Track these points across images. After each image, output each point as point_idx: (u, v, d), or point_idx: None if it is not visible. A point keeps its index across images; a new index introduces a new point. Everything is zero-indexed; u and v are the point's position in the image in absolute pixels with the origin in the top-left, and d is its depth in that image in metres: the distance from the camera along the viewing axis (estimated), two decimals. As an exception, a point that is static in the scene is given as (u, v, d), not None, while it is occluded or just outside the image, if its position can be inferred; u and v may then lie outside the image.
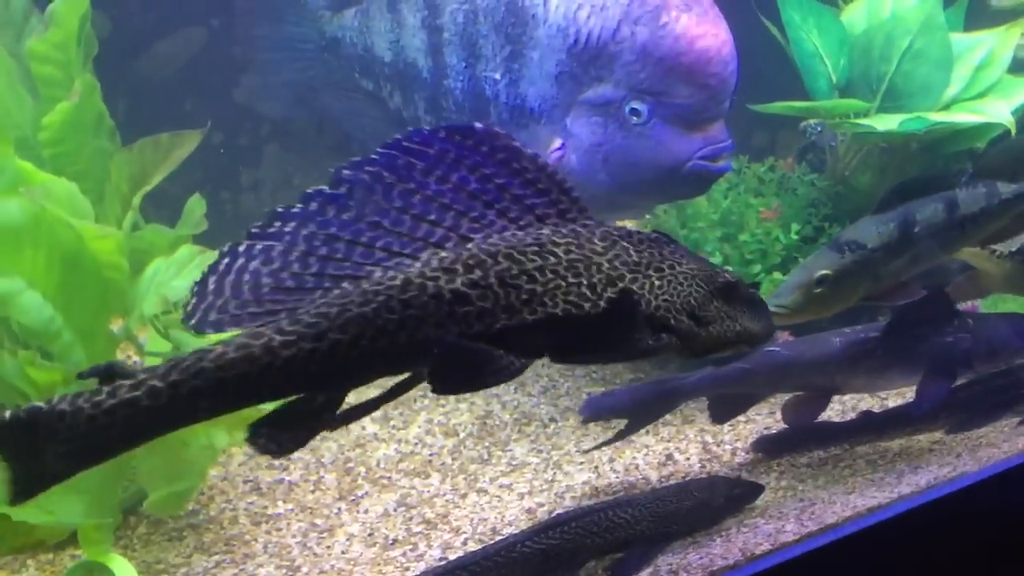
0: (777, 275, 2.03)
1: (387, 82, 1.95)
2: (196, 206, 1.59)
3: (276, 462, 1.86)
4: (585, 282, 1.04)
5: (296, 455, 1.89)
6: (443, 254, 1.02)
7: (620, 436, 1.79)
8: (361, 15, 1.94)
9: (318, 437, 1.93)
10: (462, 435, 1.99)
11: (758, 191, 2.14)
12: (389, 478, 1.86)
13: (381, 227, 1.05)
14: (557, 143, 1.81)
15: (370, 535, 1.72)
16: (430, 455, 1.93)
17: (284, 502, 1.78)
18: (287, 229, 1.05)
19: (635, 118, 1.74)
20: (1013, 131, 1.87)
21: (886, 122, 1.89)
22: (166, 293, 1.34)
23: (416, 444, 1.95)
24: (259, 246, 1.05)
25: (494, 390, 2.13)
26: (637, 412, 1.81)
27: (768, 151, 2.60)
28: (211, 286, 1.03)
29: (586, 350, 1.09)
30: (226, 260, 1.04)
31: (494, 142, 1.05)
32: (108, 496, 1.46)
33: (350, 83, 1.99)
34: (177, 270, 1.36)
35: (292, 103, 2.08)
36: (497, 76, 1.81)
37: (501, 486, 1.83)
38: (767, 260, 2.04)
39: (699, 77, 1.70)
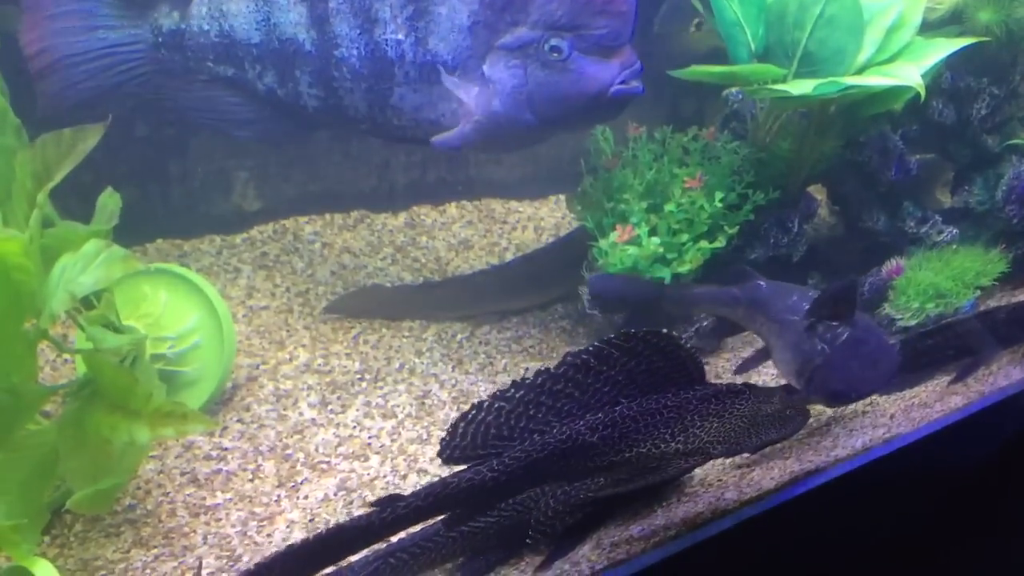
0: (704, 243, 2.01)
1: (255, 64, 1.85)
2: (109, 201, 1.53)
3: (213, 452, 1.81)
4: (667, 433, 1.53)
5: (233, 444, 1.84)
6: (598, 415, 1.51)
7: None
8: (211, 2, 1.83)
9: (255, 425, 1.90)
10: (400, 416, 1.95)
11: (682, 161, 2.11)
12: (328, 463, 1.82)
13: (573, 397, 1.51)
14: (475, 91, 1.81)
15: (311, 521, 1.68)
16: (369, 438, 1.89)
17: (222, 492, 1.73)
18: (517, 395, 1.49)
19: (555, 55, 1.78)
20: (923, 94, 1.86)
21: (801, 87, 1.87)
22: (73, 290, 1.28)
23: (355, 427, 1.91)
24: (496, 404, 1.49)
25: (431, 369, 2.10)
26: (638, 302, 2.01)
27: (695, 120, 2.57)
28: (460, 430, 1.48)
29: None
30: (473, 412, 1.48)
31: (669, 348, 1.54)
32: (32, 497, 1.41)
33: (200, 73, 1.88)
34: (84, 266, 1.30)
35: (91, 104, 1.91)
36: (401, 36, 1.77)
37: (441, 465, 1.80)
38: (693, 229, 2.02)
39: (612, 5, 1.76)
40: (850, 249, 2.36)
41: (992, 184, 2.26)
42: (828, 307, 1.71)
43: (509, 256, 2.46)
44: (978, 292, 2.18)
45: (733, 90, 2.29)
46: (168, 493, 1.71)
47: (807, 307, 1.75)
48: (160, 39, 1.89)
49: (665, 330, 1.56)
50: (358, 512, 1.70)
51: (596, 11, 1.74)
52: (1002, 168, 2.25)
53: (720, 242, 2.01)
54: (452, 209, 2.63)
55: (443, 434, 1.53)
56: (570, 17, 1.74)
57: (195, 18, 1.88)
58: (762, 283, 1.88)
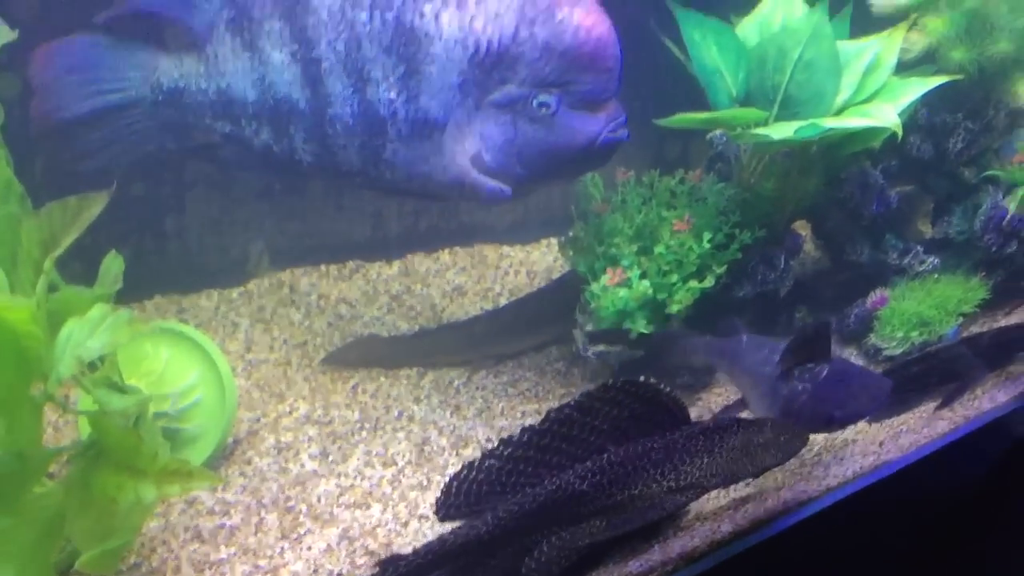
0: (693, 283, 2.04)
1: (252, 120, 1.89)
2: (112, 264, 1.55)
3: (216, 507, 1.82)
4: (658, 473, 1.57)
5: (236, 498, 1.85)
6: (587, 464, 1.55)
7: None
8: (207, 60, 1.87)
9: (257, 479, 1.91)
10: (401, 464, 1.96)
11: (670, 204, 2.15)
12: (331, 513, 1.83)
13: (560, 450, 1.56)
14: (466, 145, 1.85)
15: (314, 572, 1.69)
16: (370, 487, 1.90)
17: (226, 546, 1.74)
18: (506, 452, 1.55)
19: (544, 110, 1.81)
20: (899, 133, 1.90)
21: (782, 130, 1.91)
22: (81, 354, 1.30)
23: (356, 477, 1.92)
24: (487, 463, 1.55)
25: (430, 416, 2.11)
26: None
27: (681, 162, 2.62)
28: (454, 489, 1.54)
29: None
30: (465, 471, 1.55)
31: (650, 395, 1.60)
32: (40, 559, 1.41)
33: (200, 127, 1.92)
34: (91, 330, 1.32)
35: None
36: (393, 95, 1.81)
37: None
38: (683, 269, 2.05)
39: (599, 62, 1.79)
40: (836, 282, 2.40)
41: (970, 214, 2.31)
42: (803, 350, 1.73)
43: (503, 301, 2.49)
44: (961, 319, 2.22)
45: (717, 133, 2.33)
46: (172, 550, 1.72)
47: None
48: (160, 97, 1.92)
49: (643, 378, 1.60)
50: (361, 562, 1.70)
51: (583, 67, 1.77)
52: (979, 199, 2.30)
53: (709, 281, 2.03)
54: (445, 256, 2.66)
55: (444, 480, 1.56)
56: (558, 74, 1.77)
57: (193, 76, 1.92)
58: (743, 337, 1.91)
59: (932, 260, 2.33)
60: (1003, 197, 2.26)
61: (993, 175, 2.28)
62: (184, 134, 1.95)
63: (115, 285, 1.52)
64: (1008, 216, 2.24)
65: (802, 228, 2.38)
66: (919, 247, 2.33)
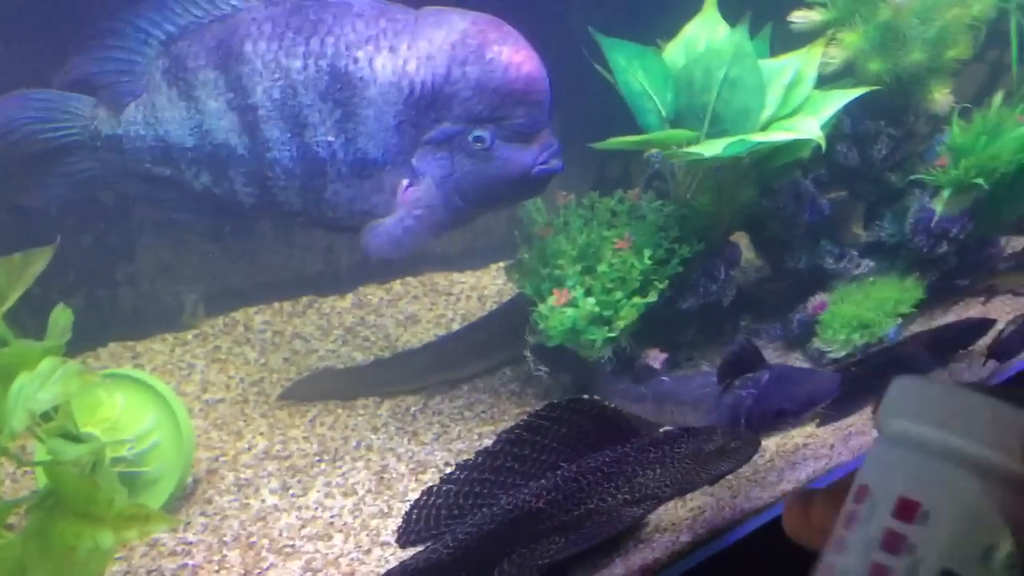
0: (637, 299, 2.09)
1: (191, 165, 1.92)
2: (61, 316, 1.57)
3: (178, 548, 1.83)
4: (612, 486, 1.61)
5: (197, 537, 1.86)
6: (540, 482, 1.60)
7: None
8: (145, 108, 1.91)
9: (218, 517, 1.92)
10: (361, 492, 1.98)
11: (611, 223, 2.20)
12: (293, 546, 1.84)
13: (514, 470, 1.62)
14: (404, 184, 1.90)
15: (279, 606, 1.70)
16: (331, 517, 1.92)
17: (190, 587, 1.75)
18: (462, 475, 1.62)
19: (479, 144, 1.86)
20: (823, 144, 1.98)
21: (712, 147, 1.97)
22: (32, 407, 1.32)
23: (316, 508, 1.94)
24: (444, 487, 1.62)
25: (388, 443, 2.14)
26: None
27: (622, 181, 2.68)
28: (414, 516, 1.63)
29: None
30: (424, 497, 1.62)
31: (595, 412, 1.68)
32: (1, 613, 1.42)
33: (140, 173, 1.96)
34: (41, 383, 1.34)
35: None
36: (331, 138, 1.85)
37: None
38: (627, 286, 2.10)
39: (530, 96, 1.84)
40: (777, 290, 2.46)
41: (900, 217, 2.39)
42: (736, 365, 1.79)
43: (456, 326, 2.52)
44: (900, 320, 2.29)
45: (653, 152, 2.40)
46: (137, 593, 1.72)
47: (714, 379, 1.83)
48: (99, 143, 1.95)
49: (586, 396, 1.65)
50: (326, 593, 1.72)
51: (515, 102, 1.82)
52: (907, 201, 2.38)
53: (652, 296, 2.09)
54: (397, 286, 2.69)
55: (404, 506, 1.58)
56: (491, 110, 1.83)
57: (131, 124, 1.94)
58: (665, 379, 1.98)
59: (867, 263, 2.40)
60: (929, 200, 2.35)
61: (918, 179, 2.36)
62: (125, 179, 1.98)
63: (64, 336, 1.53)
64: (936, 218, 2.33)
65: (741, 239, 2.44)
66: (854, 251, 2.41)
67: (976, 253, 2.44)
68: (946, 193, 2.31)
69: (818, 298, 2.33)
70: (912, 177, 2.37)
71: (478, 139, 1.85)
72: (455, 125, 1.85)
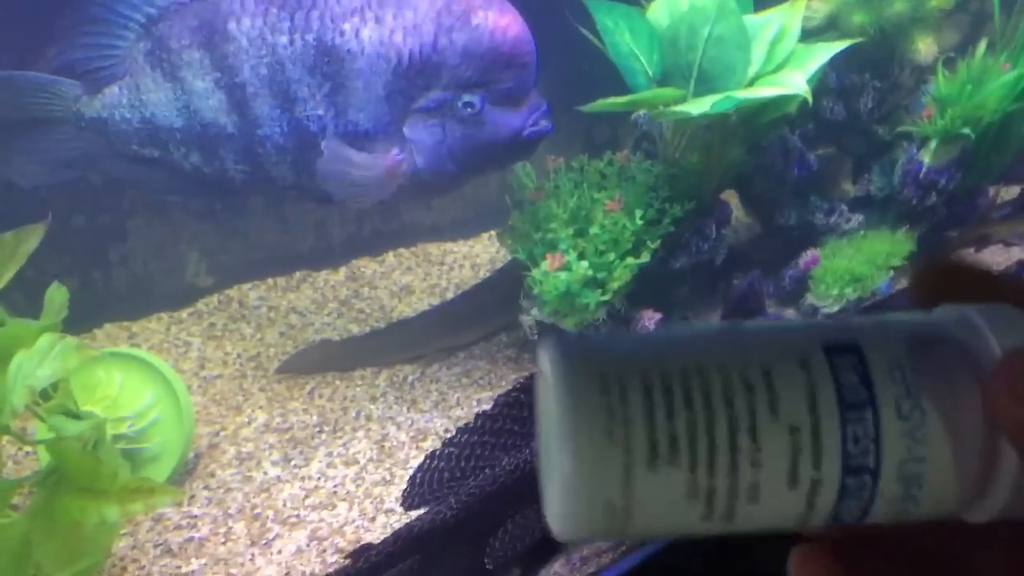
0: (630, 260, 2.09)
1: (180, 146, 1.91)
2: (56, 294, 1.56)
3: (183, 522, 1.84)
4: None
5: (201, 511, 1.86)
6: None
7: None
8: (129, 91, 1.89)
9: (221, 490, 1.92)
10: (363, 462, 1.99)
11: (601, 185, 2.20)
12: (297, 516, 1.85)
13: (514, 432, 1.57)
14: (395, 152, 1.90)
15: (287, 574, 1.71)
16: (334, 487, 1.93)
17: (197, 558, 1.75)
18: (463, 439, 1.58)
19: (469, 110, 1.85)
20: (810, 98, 1.97)
21: (699, 106, 1.96)
22: (32, 384, 1.31)
23: (319, 478, 1.95)
24: (447, 451, 1.58)
25: (387, 412, 2.14)
26: None
27: (610, 144, 2.67)
28: (418, 479, 1.57)
29: None
30: (428, 461, 1.58)
31: None
32: (10, 590, 1.43)
33: (128, 155, 1.94)
34: (40, 360, 1.33)
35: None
36: (321, 112, 1.84)
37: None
38: (619, 248, 2.10)
39: (517, 59, 1.84)
40: (768, 247, 2.46)
41: (889, 170, 2.39)
42: (743, 304, 1.79)
43: (451, 295, 2.52)
44: (891, 273, 2.29)
45: (640, 113, 2.39)
46: (143, 567, 1.73)
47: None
48: (83, 124, 1.94)
49: None
50: (332, 560, 1.73)
51: (502, 66, 1.83)
52: (895, 154, 2.38)
53: (645, 256, 2.09)
54: (391, 258, 2.68)
55: (406, 473, 1.59)
56: (479, 75, 1.83)
57: (116, 107, 1.93)
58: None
59: (857, 217, 2.40)
60: (917, 151, 2.35)
61: (906, 131, 2.36)
62: (113, 161, 1.97)
63: (60, 314, 1.53)
64: (924, 169, 2.32)
65: (730, 197, 2.44)
66: (844, 206, 2.41)
67: (965, 204, 2.43)
68: (933, 144, 2.30)
69: (809, 253, 2.33)
70: (899, 129, 2.36)
71: (468, 105, 1.84)
72: (444, 92, 1.84)
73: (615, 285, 2.07)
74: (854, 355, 0.37)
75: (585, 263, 2.06)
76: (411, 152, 1.87)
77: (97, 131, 1.94)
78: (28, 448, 1.95)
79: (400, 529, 1.54)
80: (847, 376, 0.36)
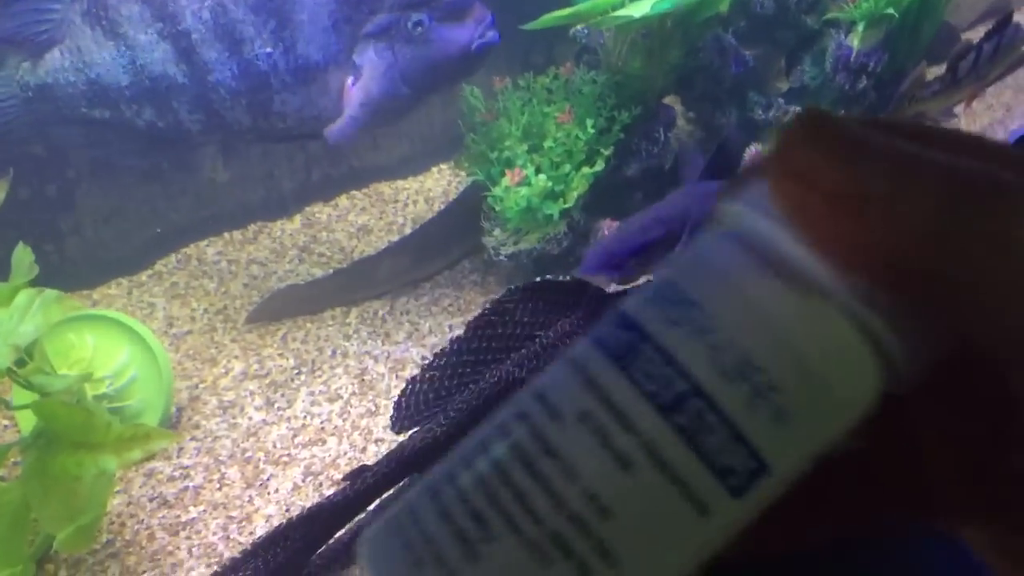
0: (585, 169, 2.08)
1: (131, 103, 1.84)
2: (23, 255, 1.50)
3: (175, 473, 1.80)
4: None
5: (192, 460, 1.83)
6: (521, 352, 1.53)
7: None
8: (71, 53, 1.81)
9: (209, 439, 1.89)
10: (346, 396, 1.97)
11: (549, 100, 2.18)
12: (289, 455, 1.83)
13: (492, 349, 1.55)
14: (349, 80, 1.86)
15: (287, 510, 1.69)
16: (321, 423, 1.91)
17: (195, 506, 1.73)
18: (443, 361, 1.53)
19: (419, 29, 1.83)
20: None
21: (640, 7, 1.95)
22: (16, 341, 1.26)
23: (305, 417, 1.93)
24: (428, 374, 1.55)
25: (363, 348, 2.12)
26: None
27: (549, 65, 2.64)
28: (403, 403, 1.53)
29: None
30: (410, 386, 1.54)
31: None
32: (12, 553, 1.38)
33: (77, 119, 1.87)
34: (20, 316, 1.28)
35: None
36: (269, 49, 1.80)
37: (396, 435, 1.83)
38: (574, 158, 2.09)
39: None
40: (712, 148, 2.47)
41: (820, 59, 2.41)
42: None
43: (408, 231, 2.49)
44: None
45: (580, 27, 2.36)
46: (142, 520, 1.70)
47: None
48: (29, 93, 1.85)
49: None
50: (329, 492, 1.72)
51: None
52: (825, 42, 2.40)
53: (600, 165, 2.08)
54: (344, 201, 2.64)
55: (390, 403, 1.58)
56: None
57: (59, 72, 1.85)
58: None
59: (794, 109, 2.42)
60: (845, 37, 2.37)
61: (833, 18, 2.37)
62: (63, 128, 1.89)
63: (30, 274, 1.47)
64: (853, 53, 2.35)
65: (673, 104, 2.44)
66: (780, 99, 2.43)
67: (894, 85, 2.47)
68: (860, 27, 2.33)
69: (753, 149, 2.34)
70: (826, 17, 2.38)
71: (417, 24, 1.82)
72: (390, 15, 1.81)
73: (574, 195, 2.07)
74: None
75: (543, 176, 2.04)
76: (364, 78, 1.83)
77: (44, 99, 1.86)
78: (6, 422, 1.89)
79: (393, 450, 1.53)
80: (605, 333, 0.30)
